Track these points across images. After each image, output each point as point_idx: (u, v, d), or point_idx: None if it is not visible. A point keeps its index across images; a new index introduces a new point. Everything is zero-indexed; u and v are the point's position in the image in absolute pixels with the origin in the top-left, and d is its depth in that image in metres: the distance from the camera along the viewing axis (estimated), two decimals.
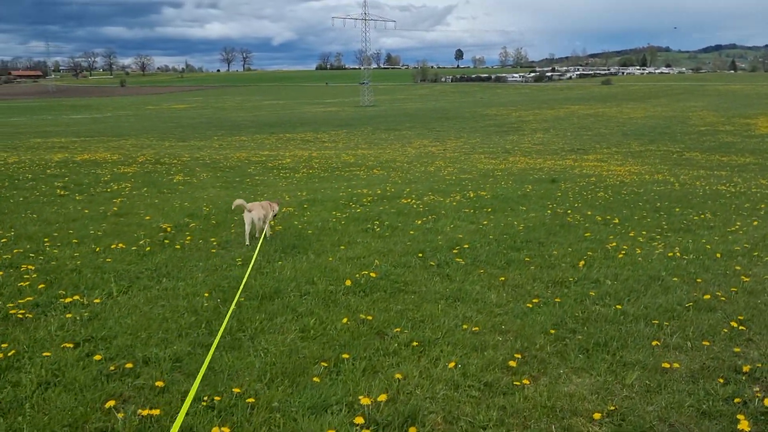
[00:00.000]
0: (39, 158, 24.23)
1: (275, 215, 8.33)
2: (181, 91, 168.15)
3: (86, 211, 10.31)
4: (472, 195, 13.19)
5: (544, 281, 5.95)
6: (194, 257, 6.88)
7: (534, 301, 5.36)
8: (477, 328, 4.72)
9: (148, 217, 9.68)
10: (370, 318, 4.83)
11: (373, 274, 5.88)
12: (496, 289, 5.69)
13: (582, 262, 6.78)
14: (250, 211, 7.80)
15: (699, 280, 6.11)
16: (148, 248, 7.25)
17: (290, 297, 5.37)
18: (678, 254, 7.19)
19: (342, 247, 7.30)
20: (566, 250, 7.36)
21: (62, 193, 13.30)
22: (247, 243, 7.75)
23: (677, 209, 11.37)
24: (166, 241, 7.73)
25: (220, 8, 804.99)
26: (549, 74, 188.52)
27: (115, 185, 14.89)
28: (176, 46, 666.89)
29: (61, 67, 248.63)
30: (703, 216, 10.52)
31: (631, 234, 8.60)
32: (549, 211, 10.58)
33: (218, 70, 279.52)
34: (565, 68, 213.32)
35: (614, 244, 7.76)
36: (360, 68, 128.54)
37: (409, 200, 12.18)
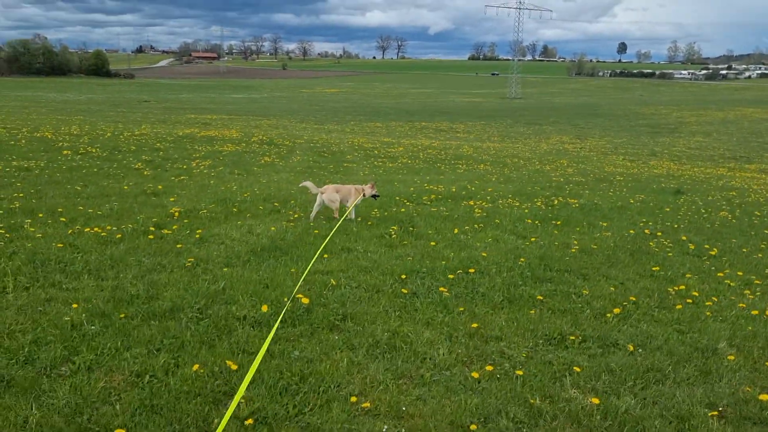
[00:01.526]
0: (166, 132, 25.72)
1: (366, 196, 8.42)
2: (336, 76, 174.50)
3: (126, 188, 10.06)
4: (556, 202, 11.31)
5: (535, 335, 4.32)
6: (138, 252, 6.04)
7: (488, 368, 3.80)
8: (367, 404, 3.31)
9: (172, 199, 9.16)
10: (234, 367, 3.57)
11: (305, 300, 4.63)
12: (451, 341, 4.17)
13: (617, 310, 5.01)
14: (322, 193, 8.21)
15: None
16: (119, 235, 6.59)
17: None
18: None
19: (325, 256, 6.12)
20: (607, 290, 5.56)
21: (138, 166, 13.41)
22: (311, 222, 8.09)
23: None
24: (152, 228, 7.04)
25: None
26: (723, 72, 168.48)
27: (196, 163, 14.84)
28: (337, 33, 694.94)
29: (234, 50, 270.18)
30: None
31: (720, 274, 6.47)
32: (632, 231, 8.54)
33: (374, 57, 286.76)
34: (743, 66, 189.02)
35: (683, 286, 5.77)
36: (518, 59, 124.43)
37: (475, 202, 10.67)
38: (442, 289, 5.22)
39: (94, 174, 11.75)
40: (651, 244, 7.90)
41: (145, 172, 12.68)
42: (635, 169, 24.47)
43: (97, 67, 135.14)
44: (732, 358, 4.13)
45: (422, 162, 20.28)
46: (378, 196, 8.73)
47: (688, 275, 6.36)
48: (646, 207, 11.62)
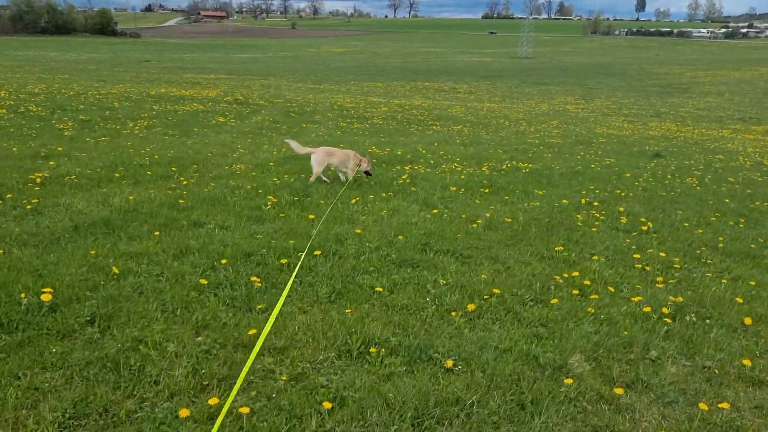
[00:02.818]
0: (140, 90, 24.86)
1: (361, 169, 7.92)
2: (346, 35, 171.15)
3: (15, 149, 9.09)
4: (505, 167, 10.21)
5: (332, 345, 3.30)
6: None
7: (210, 402, 2.78)
8: None
9: (52, 163, 8.19)
10: None
11: (46, 297, 3.63)
12: (199, 358, 3.14)
13: (471, 306, 3.99)
14: (313, 153, 7.83)
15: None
16: None
17: None
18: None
19: (157, 233, 5.11)
20: (477, 277, 4.53)
21: (62, 126, 12.47)
22: (311, 181, 7.70)
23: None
24: None
25: None
26: (744, 31, 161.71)
27: (134, 123, 13.93)
28: None
29: (243, 9, 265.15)
30: None
31: (637, 255, 5.39)
32: (566, 201, 7.45)
33: (386, 16, 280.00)
34: (765, 25, 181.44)
35: (576, 273, 4.72)
36: (528, 18, 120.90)
37: (412, 167, 9.63)
38: (254, 278, 4.22)
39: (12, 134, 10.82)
40: (578, 216, 6.84)
41: (66, 133, 11.72)
42: (628, 131, 23.19)
43: (102, 26, 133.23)
44: (570, 382, 3.11)
45: (396, 123, 19.13)
46: (370, 174, 8.08)
47: (595, 257, 5.31)
48: (606, 172, 10.50)
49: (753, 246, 6.09)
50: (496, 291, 4.30)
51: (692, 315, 4.11)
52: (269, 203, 6.40)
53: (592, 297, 4.35)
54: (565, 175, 9.84)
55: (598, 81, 60.34)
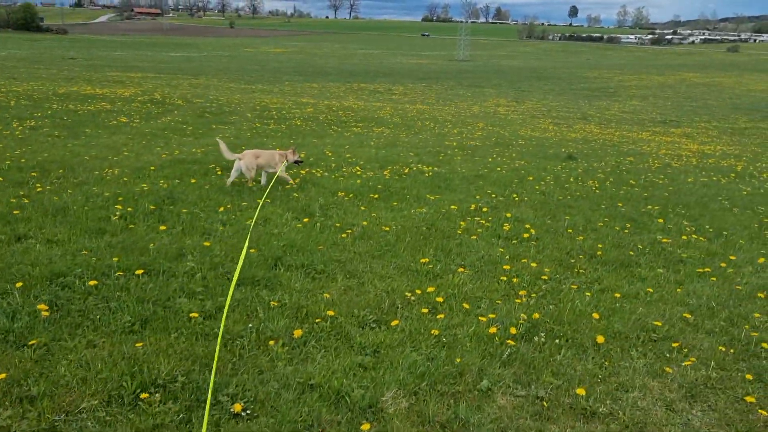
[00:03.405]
0: (47, 88, 23.49)
1: (289, 162, 8.05)
2: (285, 35, 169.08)
3: None
4: (407, 171, 9.86)
5: (111, 386, 2.77)
6: None
7: None
8: None
9: None
10: None
11: None
12: None
13: (298, 332, 3.51)
14: (240, 159, 7.70)
15: None
16: None
17: None
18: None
19: None
20: (320, 297, 4.06)
21: None
22: (227, 186, 7.59)
23: (671, 213, 7.50)
24: None
25: None
26: (668, 37, 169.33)
27: (20, 122, 12.94)
28: None
29: (179, 6, 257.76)
30: (695, 237, 6.66)
31: (507, 266, 5.05)
32: (455, 207, 7.12)
33: (327, 17, 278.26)
34: (688, 32, 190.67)
35: (432, 288, 4.32)
36: (466, 21, 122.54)
37: (317, 171, 9.17)
38: (41, 306, 3.62)
39: None
40: (462, 223, 6.50)
41: None
42: (551, 133, 23.47)
43: (26, 21, 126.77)
44: (367, 428, 2.69)
45: (316, 125, 18.60)
46: (301, 161, 8.47)
47: (461, 269, 4.95)
48: (510, 176, 10.28)
49: (631, 253, 5.90)
50: (331, 313, 3.85)
51: (542, 335, 3.79)
52: (117, 213, 5.76)
53: (438, 317, 3.96)
54: (466, 179, 9.56)
55: (531, 84, 61.61)
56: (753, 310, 4.57)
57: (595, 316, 4.13)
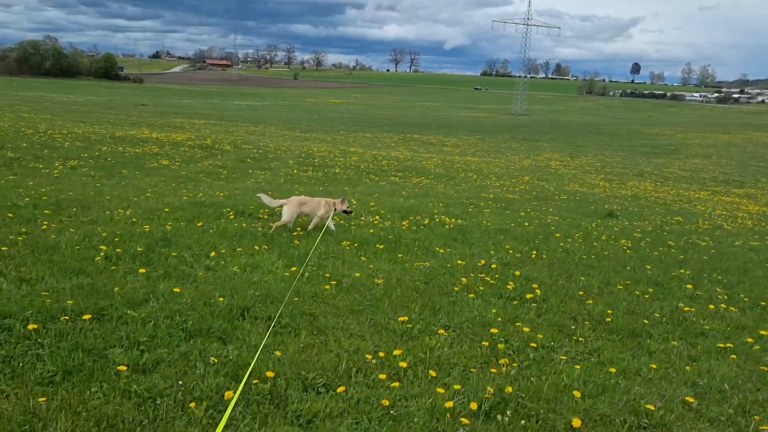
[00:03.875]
0: (106, 131, 24.68)
1: (337, 211, 8.17)
2: (347, 87, 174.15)
3: None
4: (427, 222, 9.55)
5: None
6: None
7: None
8: None
9: None
10: None
11: None
12: None
13: (229, 393, 3.19)
14: (284, 204, 7.95)
15: None
16: None
17: None
18: None
19: None
20: (272, 353, 3.73)
21: None
22: (277, 226, 7.82)
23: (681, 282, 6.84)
24: None
25: (398, 11, 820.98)
26: (735, 96, 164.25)
27: (61, 162, 13.43)
28: (353, 45, 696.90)
29: (248, 59, 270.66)
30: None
31: (495, 330, 4.60)
32: (463, 262, 6.72)
33: (387, 70, 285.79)
34: (756, 91, 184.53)
35: (398, 351, 3.93)
36: (525, 76, 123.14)
37: (333, 219, 8.97)
38: None
39: None
40: (463, 279, 6.08)
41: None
42: (600, 189, 22.71)
43: (107, 70, 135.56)
44: None
45: (355, 173, 18.62)
46: (351, 212, 8.48)
47: (442, 331, 4.52)
48: (536, 231, 9.77)
49: (645, 321, 5.31)
50: (270, 374, 3.51)
51: (509, 413, 3.32)
52: (102, 254, 5.65)
53: (393, 384, 3.55)
54: (487, 233, 9.13)
55: (588, 139, 60.62)
56: None
57: (576, 394, 3.62)
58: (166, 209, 8.65)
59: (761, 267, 8.53)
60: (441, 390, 3.53)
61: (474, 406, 3.35)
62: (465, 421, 3.20)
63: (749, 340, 5.08)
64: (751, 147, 56.69)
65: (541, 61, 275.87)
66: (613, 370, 4.12)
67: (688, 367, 4.31)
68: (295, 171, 17.24)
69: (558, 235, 9.60)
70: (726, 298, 6.44)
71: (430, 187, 16.80)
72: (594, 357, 4.41)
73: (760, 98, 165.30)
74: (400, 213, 10.44)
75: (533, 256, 7.60)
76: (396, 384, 3.56)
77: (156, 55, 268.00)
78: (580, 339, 4.72)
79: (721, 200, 23.68)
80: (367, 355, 3.90)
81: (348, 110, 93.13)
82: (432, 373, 3.79)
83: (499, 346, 4.39)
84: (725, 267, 8.25)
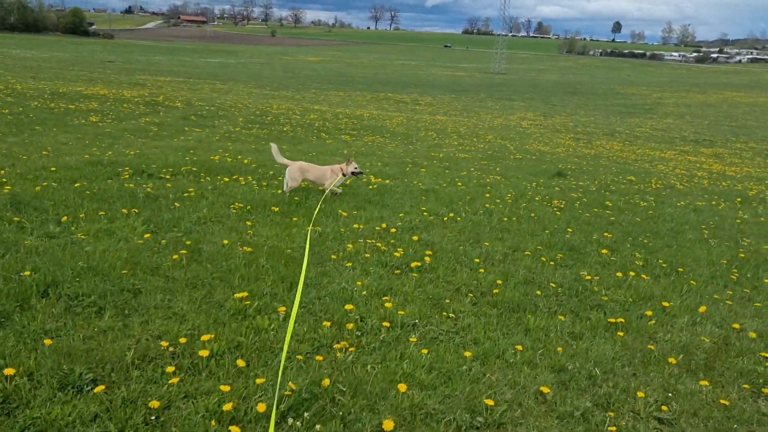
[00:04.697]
0: (53, 87, 23.49)
1: (347, 175, 7.66)
2: (325, 45, 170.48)
3: None
4: (348, 182, 8.83)
5: None
6: None
7: None
8: None
9: None
10: None
11: None
12: None
13: None
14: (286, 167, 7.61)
15: None
16: None
17: None
18: None
19: None
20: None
21: None
22: (286, 194, 7.46)
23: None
24: None
25: None
26: (714, 56, 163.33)
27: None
28: (333, 1, 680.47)
29: (225, 15, 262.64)
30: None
31: (393, 299, 3.97)
32: (360, 226, 6.05)
33: (368, 28, 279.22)
34: (736, 51, 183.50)
35: (184, 339, 3.29)
36: (505, 34, 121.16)
37: (242, 178, 8.27)
38: None
39: None
40: (349, 246, 5.43)
41: None
42: (562, 149, 22.16)
43: (75, 25, 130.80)
44: None
45: (303, 131, 17.75)
46: (361, 173, 7.93)
47: (282, 309, 3.86)
48: (465, 192, 9.13)
49: (538, 293, 4.72)
50: (9, 372, 2.84)
51: (306, 416, 2.70)
52: None
53: (171, 381, 2.90)
54: (410, 194, 8.46)
55: (564, 99, 60.05)
56: (646, 383, 3.39)
57: (402, 387, 3.02)
58: (53, 168, 7.85)
59: (695, 229, 8.00)
60: (228, 387, 2.89)
61: (262, 407, 2.72)
62: (234, 430, 2.58)
63: (648, 313, 4.52)
64: (726, 107, 56.39)
65: (522, 19, 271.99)
66: (468, 354, 3.52)
67: (560, 348, 3.73)
68: (238, 129, 16.34)
69: (488, 195, 8.98)
70: (642, 264, 5.88)
71: (380, 146, 16.05)
72: (458, 337, 3.82)
73: (738, 58, 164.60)
74: None
75: (446, 219, 6.96)
76: (175, 380, 2.92)
77: (128, 11, 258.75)
78: (451, 315, 4.12)
79: (686, 159, 23.29)
80: (163, 343, 3.25)
81: (324, 68, 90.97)
82: (240, 363, 3.16)
83: (348, 326, 3.77)
84: (657, 229, 7.71)
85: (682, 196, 11.65)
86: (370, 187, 8.80)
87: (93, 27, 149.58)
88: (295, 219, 6.36)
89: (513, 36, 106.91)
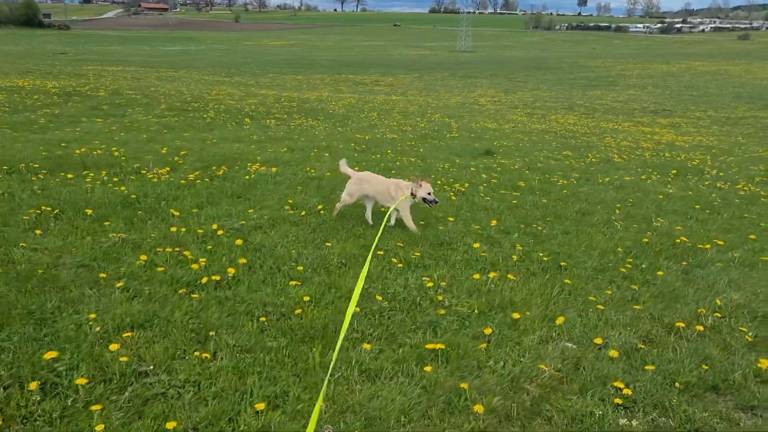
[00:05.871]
0: None
1: (416, 199, 5.75)
2: (291, 29, 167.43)
3: None
4: (221, 172, 7.77)
5: None
6: None
7: None
8: None
9: None
10: None
11: None
12: None
13: None
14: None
15: None
16: None
17: None
18: None
19: None
20: None
21: None
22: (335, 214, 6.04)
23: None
24: None
25: None
26: (678, 26, 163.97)
27: None
28: None
29: (187, 2, 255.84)
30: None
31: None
32: (150, 237, 4.96)
33: (335, 10, 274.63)
34: (699, 20, 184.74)
35: None
36: (471, 11, 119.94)
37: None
38: None
39: None
40: (142, 258, 4.31)
41: None
42: (509, 125, 21.30)
43: (28, 17, 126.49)
44: None
45: (229, 116, 16.59)
46: (435, 202, 5.77)
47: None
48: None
49: (357, 310, 3.68)
50: None
51: None
52: None
53: None
54: (289, 184, 7.42)
55: (528, 74, 59.40)
56: None
57: None
58: None
59: (609, 209, 7.08)
60: None
61: None
62: None
63: (487, 331, 3.51)
64: (688, 76, 56.07)
65: None
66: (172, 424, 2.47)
67: (345, 397, 2.70)
68: (149, 117, 15.07)
69: None
70: (517, 259, 4.88)
71: (303, 130, 14.95)
72: (191, 392, 2.76)
73: (701, 27, 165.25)
74: (206, 163, 8.59)
75: (304, 213, 5.90)
76: None
77: (87, 0, 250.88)
78: (205, 356, 3.05)
79: (640, 131, 22.66)
80: None
81: (287, 52, 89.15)
82: None
83: (31, 385, 2.69)
84: (561, 212, 6.80)
85: (614, 171, 10.78)
86: (247, 176, 7.70)
87: (50, 18, 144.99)
88: (107, 223, 5.24)
89: (480, 13, 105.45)
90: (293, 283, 4.02)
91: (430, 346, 3.25)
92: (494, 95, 39.65)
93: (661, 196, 8.09)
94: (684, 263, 4.99)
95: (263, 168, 8.38)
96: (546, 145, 15.26)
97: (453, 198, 7.13)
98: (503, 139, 15.81)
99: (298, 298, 3.77)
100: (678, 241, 5.68)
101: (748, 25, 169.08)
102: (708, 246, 5.48)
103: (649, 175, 10.39)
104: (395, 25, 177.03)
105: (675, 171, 11.11)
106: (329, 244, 4.93)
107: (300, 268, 4.31)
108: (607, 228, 6.14)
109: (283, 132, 14.13)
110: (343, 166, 6.25)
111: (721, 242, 5.70)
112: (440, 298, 3.97)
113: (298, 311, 3.60)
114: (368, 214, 6.02)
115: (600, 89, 45.99)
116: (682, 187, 9.12)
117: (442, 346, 3.24)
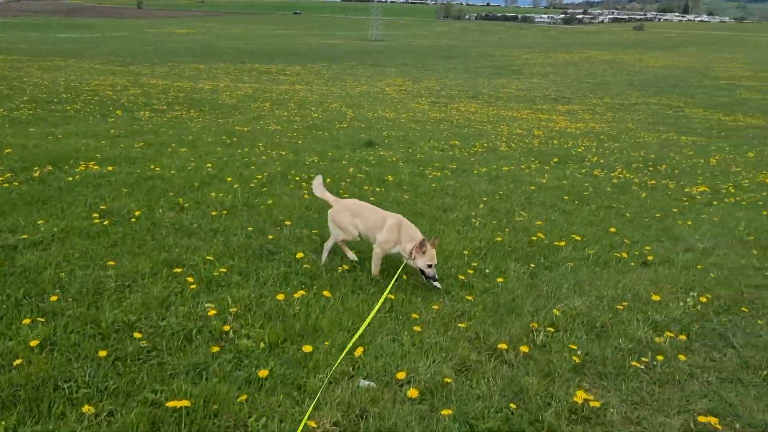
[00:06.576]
0: None
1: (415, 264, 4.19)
2: (198, 16, 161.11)
3: None
4: (37, 175, 6.58)
5: None
6: None
7: None
8: None
9: None
10: None
11: None
12: None
13: None
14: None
15: None
16: None
17: None
18: None
19: None
20: None
21: None
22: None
23: None
24: None
25: None
26: (579, 17, 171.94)
27: None
28: None
29: None
30: None
31: None
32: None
33: None
34: (599, 11, 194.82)
35: None
36: (382, 0, 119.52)
37: None
38: None
39: None
40: None
41: None
42: (407, 114, 20.87)
43: None
44: None
45: (99, 107, 15.16)
46: (435, 279, 4.27)
47: None
48: (208, 176, 7.18)
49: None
50: None
51: None
52: None
53: None
54: (110, 186, 6.39)
55: (437, 63, 60.00)
56: None
57: None
58: None
59: (472, 204, 6.53)
60: None
61: None
62: None
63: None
64: (588, 65, 58.23)
65: None
66: None
67: None
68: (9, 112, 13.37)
69: (229, 179, 7.07)
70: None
71: (177, 122, 13.82)
72: None
73: (600, 18, 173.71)
74: (29, 162, 7.42)
75: (107, 223, 4.97)
76: None
77: None
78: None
79: (537, 118, 22.86)
80: None
81: (192, 41, 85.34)
82: None
83: None
84: (419, 210, 6.15)
85: (495, 161, 10.41)
86: (70, 178, 6.63)
87: None
88: None
89: (392, 2, 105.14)
90: (27, 321, 3.13)
91: (172, 404, 2.49)
92: (401, 84, 39.46)
93: (533, 187, 7.72)
94: (533, 265, 4.51)
95: (96, 167, 7.32)
96: (437, 134, 14.86)
97: (306, 197, 6.39)
98: (395, 129, 15.29)
99: (26, 343, 2.91)
100: (534, 238, 5.23)
101: (642, 16, 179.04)
102: (563, 243, 5.06)
103: (529, 164, 10.09)
104: (295, 13, 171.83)
105: (557, 159, 10.91)
106: (112, 263, 4.04)
107: (54, 298, 3.42)
108: (463, 226, 5.61)
109: (152, 125, 12.93)
110: (319, 188, 4.93)
111: (578, 237, 5.31)
112: (227, 328, 3.22)
113: (18, 362, 2.74)
114: (329, 245, 4.75)
115: (504, 78, 46.86)
116: (558, 176, 8.83)
117: (187, 403, 2.50)
